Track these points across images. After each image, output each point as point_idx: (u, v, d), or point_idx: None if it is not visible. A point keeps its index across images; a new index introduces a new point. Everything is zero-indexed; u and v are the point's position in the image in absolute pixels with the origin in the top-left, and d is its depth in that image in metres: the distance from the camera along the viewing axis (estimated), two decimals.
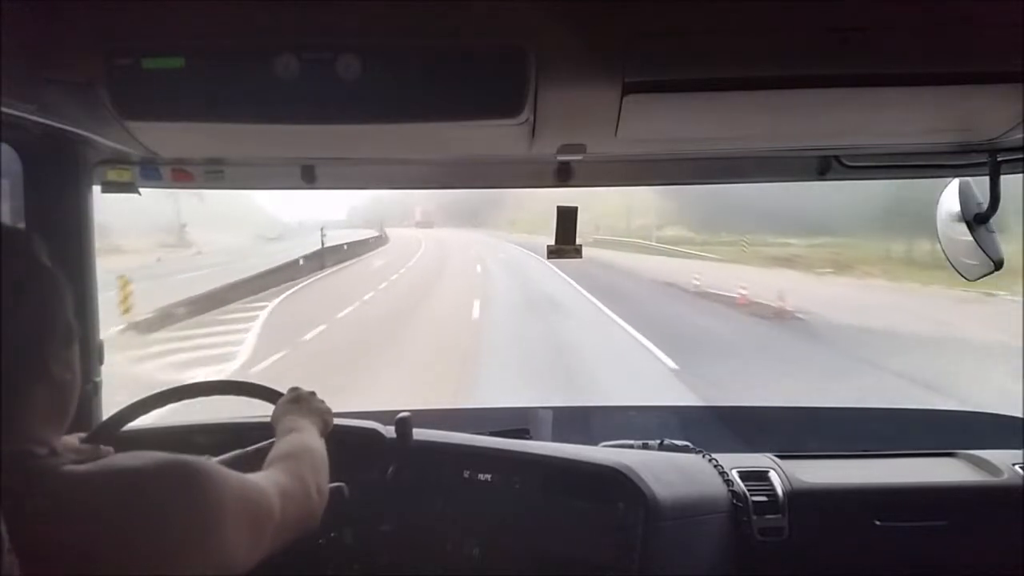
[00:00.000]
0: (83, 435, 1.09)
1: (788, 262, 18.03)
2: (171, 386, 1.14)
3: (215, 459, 1.09)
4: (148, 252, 20.18)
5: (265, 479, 0.76)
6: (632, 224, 34.99)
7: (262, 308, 11.43)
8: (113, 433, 1.09)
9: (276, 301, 12.40)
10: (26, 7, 0.74)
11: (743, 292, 12.48)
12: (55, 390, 0.65)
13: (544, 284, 15.52)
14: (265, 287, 13.47)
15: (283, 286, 14.32)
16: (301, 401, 1.05)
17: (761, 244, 22.07)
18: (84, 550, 0.57)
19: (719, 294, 13.16)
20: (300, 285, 15.08)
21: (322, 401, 1.08)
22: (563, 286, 14.97)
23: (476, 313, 11.15)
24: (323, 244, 19.71)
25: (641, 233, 32.31)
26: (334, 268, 18.99)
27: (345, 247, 22.91)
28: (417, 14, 0.76)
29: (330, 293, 14.36)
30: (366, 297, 12.97)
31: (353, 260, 22.40)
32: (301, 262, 16.91)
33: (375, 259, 23.61)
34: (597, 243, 30.67)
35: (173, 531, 0.61)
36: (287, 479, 0.79)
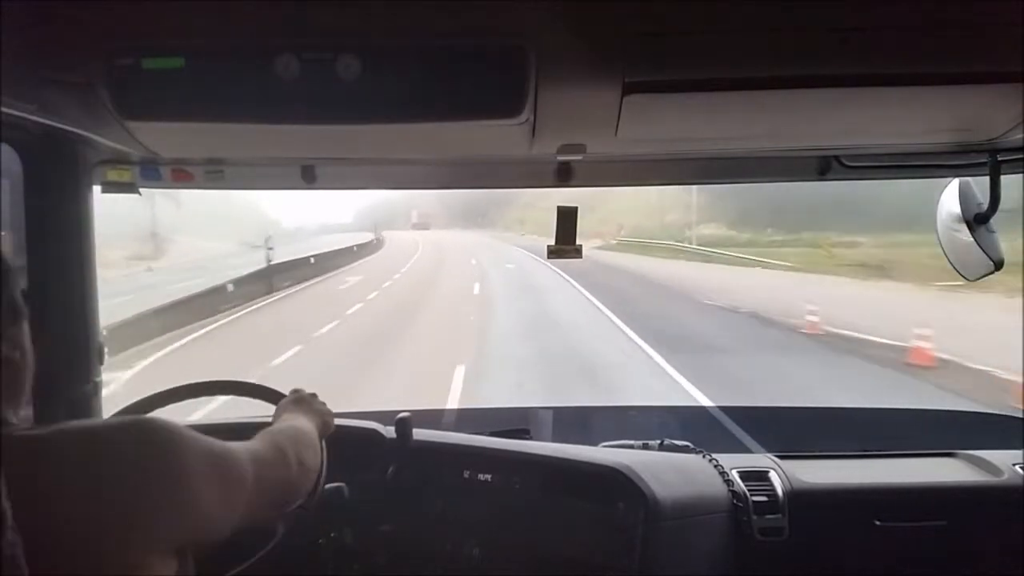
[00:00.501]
0: None
1: (880, 271, 13.66)
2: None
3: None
4: (119, 266, 19.03)
5: (239, 445, 0.75)
6: (663, 221, 31.88)
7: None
8: None
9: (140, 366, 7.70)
10: (26, 7, 0.74)
11: (923, 343, 6.86)
12: (4, 368, 0.63)
13: (567, 316, 10.57)
14: (147, 335, 8.85)
15: (179, 331, 9.82)
16: (302, 402, 1.05)
17: (826, 244, 18.06)
18: (43, 512, 0.56)
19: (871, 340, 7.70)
20: (207, 328, 10.40)
21: (323, 403, 1.08)
22: (594, 321, 9.98)
23: (458, 380, 6.62)
24: (269, 260, 15.56)
25: (674, 232, 28.67)
26: (284, 292, 14.86)
27: (312, 260, 19.25)
28: (417, 14, 0.76)
29: (247, 338, 9.95)
30: (288, 354, 8.04)
31: (319, 278, 17.88)
32: (231, 287, 12.97)
33: (349, 276, 18.90)
34: (622, 246, 27.23)
35: (133, 486, 0.60)
36: (264, 447, 0.79)
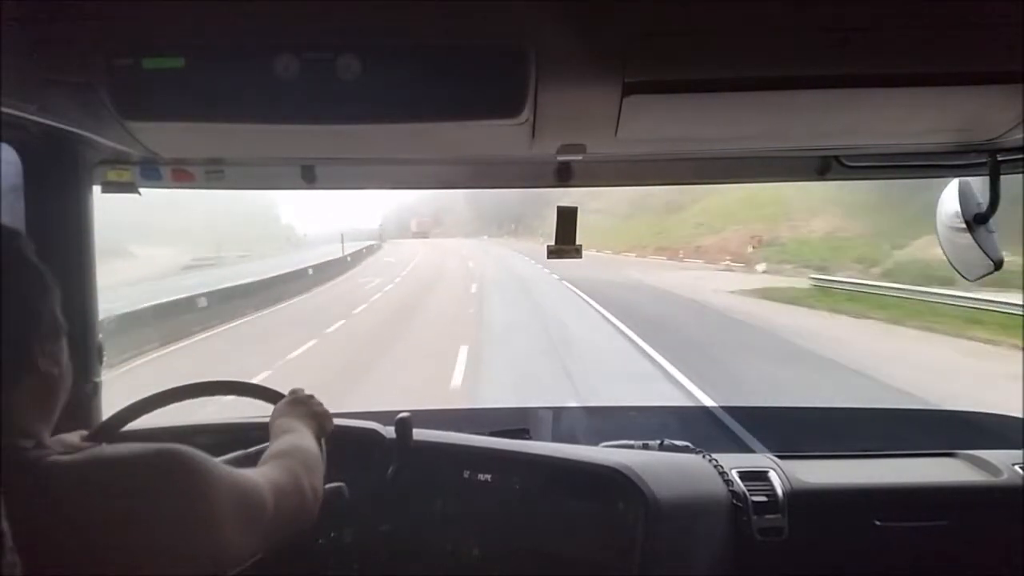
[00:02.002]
0: (85, 432, 1.09)
1: None
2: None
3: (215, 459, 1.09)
4: None
5: (258, 474, 0.76)
6: (809, 229, 21.83)
7: None
8: (113, 433, 1.09)
9: None
10: (26, 7, 0.74)
11: None
12: (42, 384, 0.66)
13: None
14: None
15: None
16: (299, 404, 1.05)
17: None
18: (74, 539, 0.57)
19: None
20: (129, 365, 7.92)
21: (321, 404, 1.07)
22: None
23: None
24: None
25: (865, 252, 17.37)
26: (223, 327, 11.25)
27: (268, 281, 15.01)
28: (417, 14, 0.76)
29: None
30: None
31: (271, 308, 13.68)
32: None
33: (311, 300, 15.42)
34: (814, 296, 13.26)
35: (163, 518, 0.61)
36: (281, 475, 0.79)
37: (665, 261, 25.78)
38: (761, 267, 20.68)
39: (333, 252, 26.48)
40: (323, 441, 1.01)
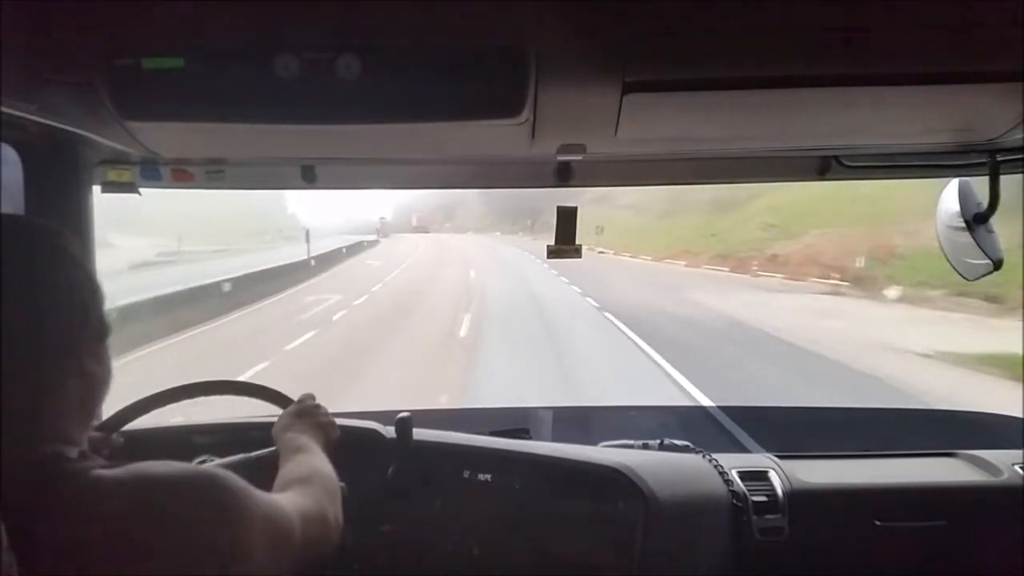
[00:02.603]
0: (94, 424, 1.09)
1: None
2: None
3: (216, 462, 1.09)
4: None
5: (288, 501, 0.75)
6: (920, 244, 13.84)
7: None
8: (114, 431, 1.09)
9: None
10: (26, 7, 0.74)
11: None
12: (87, 386, 0.65)
13: None
14: None
15: None
16: (305, 415, 1.03)
17: None
18: (110, 554, 0.57)
19: None
20: None
21: (327, 415, 1.06)
22: None
23: None
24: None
25: None
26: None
27: (228, 287, 12.97)
28: (417, 14, 0.76)
29: None
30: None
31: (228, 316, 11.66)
32: None
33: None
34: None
35: (197, 542, 0.60)
36: (308, 503, 0.78)
37: (730, 275, 19.13)
38: (893, 292, 13.76)
39: (321, 247, 23.63)
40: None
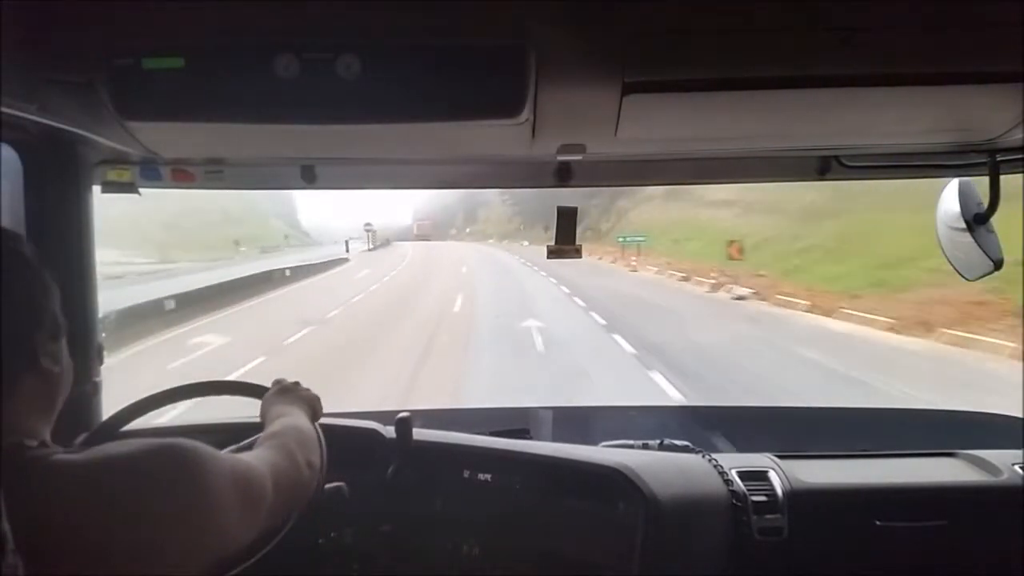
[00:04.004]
0: (84, 435, 1.09)
1: None
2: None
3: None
4: None
5: (255, 457, 0.77)
6: None
7: None
8: (112, 434, 1.09)
9: None
10: (26, 7, 0.74)
11: None
12: (43, 382, 0.66)
13: None
14: None
15: None
16: (287, 392, 1.05)
17: None
18: (79, 538, 0.57)
19: None
20: None
21: (308, 389, 1.08)
22: None
23: None
24: None
25: None
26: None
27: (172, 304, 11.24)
28: (417, 14, 0.76)
29: None
30: None
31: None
32: None
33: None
34: None
35: (168, 513, 0.61)
36: (276, 455, 0.80)
37: None
38: None
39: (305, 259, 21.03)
40: (317, 426, 1.01)
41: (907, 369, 8.15)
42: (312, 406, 1.04)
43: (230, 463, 0.69)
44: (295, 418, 0.95)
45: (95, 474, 0.60)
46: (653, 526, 1.25)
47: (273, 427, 0.91)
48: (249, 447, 1.02)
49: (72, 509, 0.57)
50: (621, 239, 24.96)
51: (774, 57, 0.82)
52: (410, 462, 1.33)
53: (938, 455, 1.55)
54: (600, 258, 25.18)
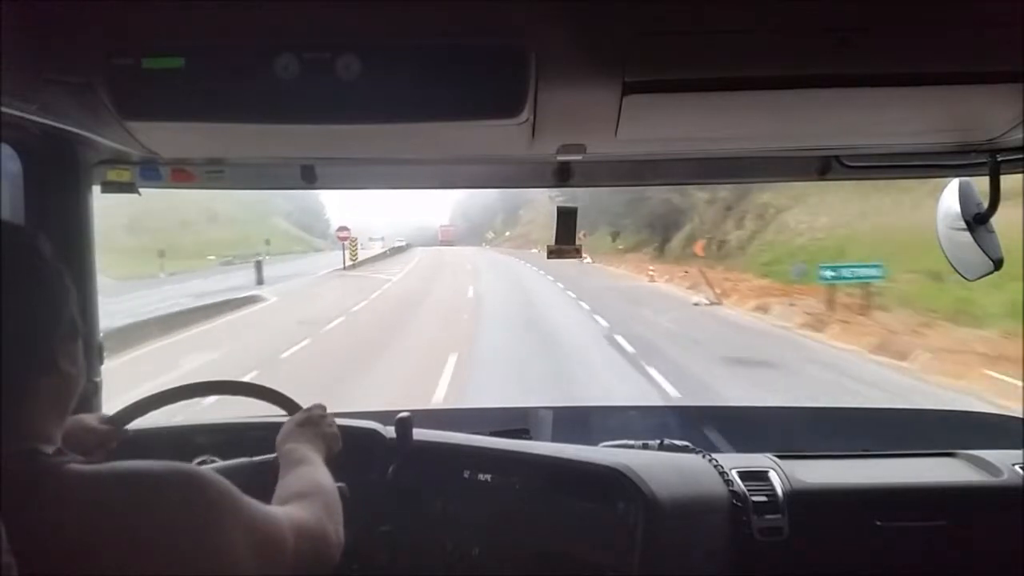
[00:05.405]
0: (101, 415, 1.09)
1: None
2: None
3: (217, 463, 1.09)
4: None
5: (283, 513, 0.74)
6: None
7: None
8: (120, 427, 1.09)
9: None
10: (26, 7, 0.74)
11: None
12: (61, 384, 0.66)
13: None
14: None
15: None
16: (310, 425, 1.01)
17: None
18: (86, 549, 0.57)
19: None
20: None
21: (332, 425, 1.04)
22: None
23: None
24: None
25: None
26: None
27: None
28: (417, 14, 0.76)
29: None
30: None
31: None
32: None
33: None
34: None
35: (175, 536, 0.60)
36: (306, 518, 0.77)
37: None
38: None
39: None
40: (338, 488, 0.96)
41: None
42: (329, 445, 1.00)
43: (249, 507, 0.67)
44: (321, 473, 0.91)
45: (110, 487, 0.59)
46: (653, 526, 1.25)
47: (301, 481, 0.86)
48: (259, 466, 1.01)
49: (79, 520, 0.57)
50: (796, 270, 13.05)
51: (774, 57, 0.82)
52: (410, 462, 1.33)
53: (938, 455, 1.55)
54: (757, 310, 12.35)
